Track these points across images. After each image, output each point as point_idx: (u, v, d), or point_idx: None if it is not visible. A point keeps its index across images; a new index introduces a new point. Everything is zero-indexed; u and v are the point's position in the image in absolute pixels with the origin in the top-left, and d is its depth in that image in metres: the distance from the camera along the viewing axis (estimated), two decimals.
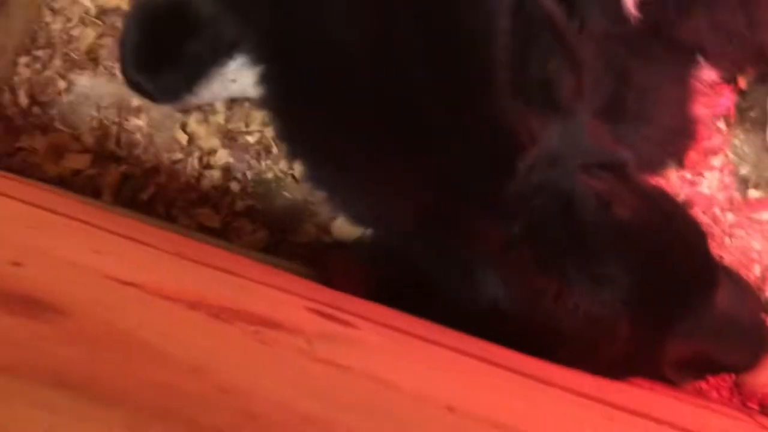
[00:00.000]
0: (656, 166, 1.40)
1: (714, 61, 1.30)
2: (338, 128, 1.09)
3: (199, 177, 1.65)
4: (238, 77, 1.56)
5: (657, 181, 1.48)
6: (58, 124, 1.71)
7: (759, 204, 1.45)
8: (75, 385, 0.33)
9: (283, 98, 1.14)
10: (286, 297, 0.86)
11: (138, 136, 1.70)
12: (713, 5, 1.20)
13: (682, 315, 1.09)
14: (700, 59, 1.29)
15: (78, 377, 0.34)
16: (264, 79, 1.13)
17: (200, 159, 1.65)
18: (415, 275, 1.13)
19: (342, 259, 1.23)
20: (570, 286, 1.03)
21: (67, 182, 1.66)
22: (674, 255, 1.08)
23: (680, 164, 1.47)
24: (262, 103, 1.20)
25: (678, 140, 1.37)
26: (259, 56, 1.13)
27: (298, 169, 1.60)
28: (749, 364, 1.23)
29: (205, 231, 1.61)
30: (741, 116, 1.49)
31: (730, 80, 1.47)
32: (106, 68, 1.73)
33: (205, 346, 0.46)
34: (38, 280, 0.48)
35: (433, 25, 1.02)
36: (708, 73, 1.34)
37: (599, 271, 1.03)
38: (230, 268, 0.96)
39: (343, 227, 1.57)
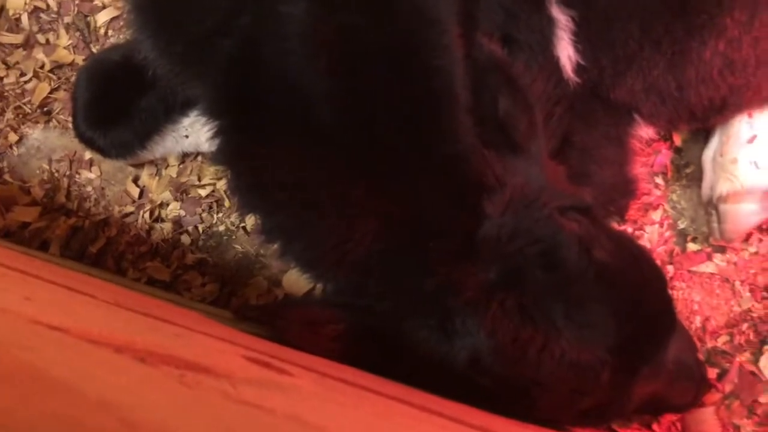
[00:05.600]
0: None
1: (650, 120, 1.36)
2: (299, 174, 1.09)
3: (150, 230, 1.65)
4: (191, 132, 1.58)
5: None
6: (7, 177, 1.71)
7: (697, 257, 1.50)
8: None
9: (238, 150, 1.14)
10: (222, 345, 0.85)
11: (89, 188, 1.70)
12: (646, 69, 1.27)
13: (651, 359, 1.09)
14: (637, 118, 1.36)
15: None
16: (219, 132, 1.15)
17: (151, 212, 1.65)
18: (383, 328, 1.10)
19: (300, 315, 1.19)
20: (557, 334, 1.00)
21: (15, 235, 1.64)
22: (646, 298, 1.08)
23: (622, 220, 1.52)
24: (216, 157, 1.19)
25: (619, 198, 1.42)
26: (214, 110, 1.15)
27: (249, 222, 1.61)
28: (692, 403, 1.25)
29: (154, 284, 1.60)
30: (677, 172, 1.55)
31: (666, 137, 1.54)
32: (59, 122, 1.74)
33: (119, 385, 0.46)
34: None
35: (397, 70, 1.04)
36: (645, 131, 1.40)
37: (586, 317, 1.01)
38: (169, 318, 0.95)
39: (295, 280, 1.57)
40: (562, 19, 1.19)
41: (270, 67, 1.05)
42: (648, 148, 1.53)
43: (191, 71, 1.17)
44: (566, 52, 1.22)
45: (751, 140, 1.38)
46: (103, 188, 1.70)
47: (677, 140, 1.54)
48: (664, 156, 1.54)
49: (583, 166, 1.29)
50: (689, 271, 1.51)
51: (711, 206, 1.46)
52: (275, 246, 1.19)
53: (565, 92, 1.25)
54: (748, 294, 1.48)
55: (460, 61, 1.07)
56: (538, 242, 1.03)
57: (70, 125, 1.71)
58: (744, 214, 1.41)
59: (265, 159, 1.10)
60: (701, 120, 1.36)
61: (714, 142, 1.45)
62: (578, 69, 1.24)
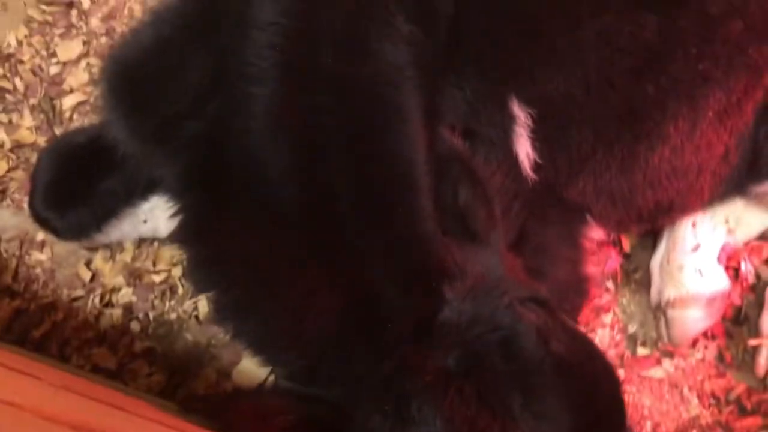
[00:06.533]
0: None
1: (601, 221, 1.41)
2: (257, 251, 1.09)
3: (99, 315, 1.60)
4: (150, 218, 1.57)
5: None
6: None
7: (647, 361, 1.53)
8: None
9: (198, 226, 1.14)
10: None
11: (38, 270, 1.66)
12: (597, 171, 1.32)
13: None
14: (589, 219, 1.41)
15: None
16: (181, 210, 1.15)
17: (102, 297, 1.61)
18: (334, 418, 1.06)
19: (250, 406, 1.13)
20: (513, 425, 0.99)
21: None
22: (600, 394, 1.08)
23: (574, 319, 1.55)
24: (175, 234, 1.18)
25: (572, 297, 1.45)
26: (178, 187, 1.15)
27: (202, 310, 1.58)
28: None
29: (99, 372, 1.53)
30: (627, 277, 1.60)
31: (616, 243, 1.60)
32: (13, 201, 1.71)
33: None
34: None
35: (360, 152, 1.07)
36: (596, 232, 1.45)
37: (542, 408, 1.00)
38: (120, 405, 0.92)
39: (245, 373, 1.54)
40: (521, 116, 1.24)
41: (235, 145, 1.08)
42: (599, 252, 1.58)
43: (159, 151, 1.18)
44: (525, 149, 1.27)
45: (696, 249, 1.45)
46: (53, 270, 1.66)
47: (626, 246, 1.60)
48: (614, 261, 1.60)
49: (538, 263, 1.32)
50: (639, 375, 1.53)
51: (659, 311, 1.51)
52: (227, 328, 1.17)
53: (523, 187, 1.30)
54: (696, 401, 1.51)
55: (422, 149, 1.11)
56: (498, 330, 1.04)
57: (25, 205, 1.68)
58: (690, 319, 1.46)
59: (224, 234, 1.11)
60: (649, 221, 1.42)
61: (661, 249, 1.51)
62: (536, 167, 1.29)
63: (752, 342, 1.49)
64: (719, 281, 1.45)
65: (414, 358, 1.03)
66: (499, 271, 1.12)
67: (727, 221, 1.45)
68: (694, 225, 1.45)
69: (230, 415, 1.11)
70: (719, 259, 1.47)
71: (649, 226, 1.47)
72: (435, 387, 1.01)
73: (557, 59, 1.23)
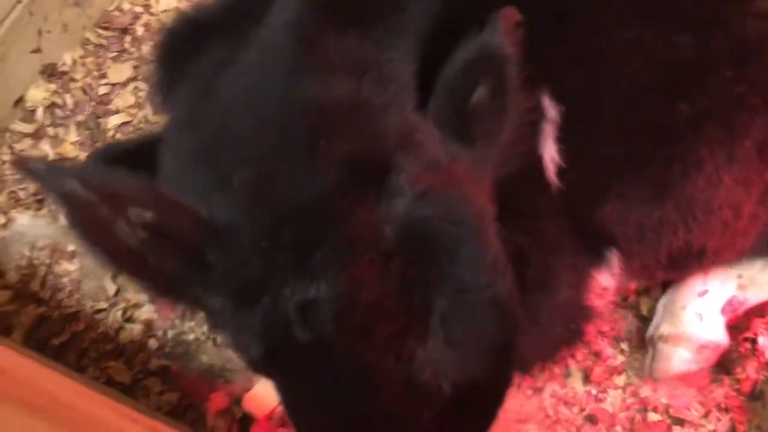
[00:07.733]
0: (558, 342, 1.37)
1: (625, 260, 1.30)
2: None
3: (119, 329, 1.63)
4: None
5: (564, 394, 1.54)
6: None
7: (657, 427, 1.51)
8: None
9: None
10: None
11: (65, 280, 1.70)
12: (626, 195, 1.23)
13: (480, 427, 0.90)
14: (607, 258, 1.29)
15: None
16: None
17: (124, 311, 1.64)
18: (209, 232, 0.85)
19: (102, 182, 0.86)
20: (422, 329, 0.81)
21: None
22: (509, 359, 0.90)
23: (580, 341, 1.48)
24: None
25: (574, 319, 1.34)
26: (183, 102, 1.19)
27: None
28: None
29: (113, 385, 1.56)
30: (642, 341, 1.59)
31: (633, 306, 1.60)
32: (50, 211, 1.76)
33: None
34: None
35: None
36: (607, 278, 1.35)
37: (458, 333, 0.82)
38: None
39: (258, 401, 1.55)
40: (551, 112, 1.19)
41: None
42: (614, 315, 1.58)
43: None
44: (550, 153, 1.21)
45: (702, 294, 1.44)
46: (79, 281, 1.70)
47: (644, 308, 1.60)
48: (630, 323, 1.60)
49: (539, 282, 1.23)
50: None
51: (651, 343, 1.50)
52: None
53: (542, 199, 1.22)
54: None
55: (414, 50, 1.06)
56: (458, 226, 0.85)
57: (60, 216, 1.74)
58: (677, 358, 1.45)
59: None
60: (677, 267, 1.35)
61: (670, 292, 1.51)
62: (560, 174, 1.21)
63: None
64: (716, 331, 1.43)
65: (344, 195, 0.84)
66: (479, 186, 0.94)
67: (740, 276, 1.44)
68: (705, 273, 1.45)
69: (68, 186, 0.80)
70: (723, 311, 1.44)
71: (677, 274, 1.42)
72: (357, 240, 0.81)
73: (588, 61, 1.20)
